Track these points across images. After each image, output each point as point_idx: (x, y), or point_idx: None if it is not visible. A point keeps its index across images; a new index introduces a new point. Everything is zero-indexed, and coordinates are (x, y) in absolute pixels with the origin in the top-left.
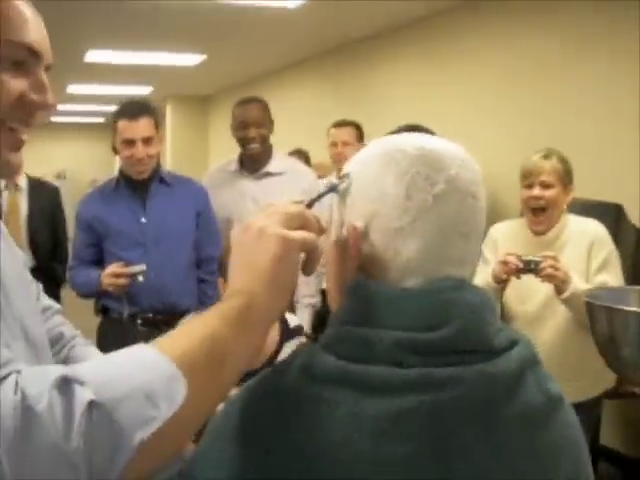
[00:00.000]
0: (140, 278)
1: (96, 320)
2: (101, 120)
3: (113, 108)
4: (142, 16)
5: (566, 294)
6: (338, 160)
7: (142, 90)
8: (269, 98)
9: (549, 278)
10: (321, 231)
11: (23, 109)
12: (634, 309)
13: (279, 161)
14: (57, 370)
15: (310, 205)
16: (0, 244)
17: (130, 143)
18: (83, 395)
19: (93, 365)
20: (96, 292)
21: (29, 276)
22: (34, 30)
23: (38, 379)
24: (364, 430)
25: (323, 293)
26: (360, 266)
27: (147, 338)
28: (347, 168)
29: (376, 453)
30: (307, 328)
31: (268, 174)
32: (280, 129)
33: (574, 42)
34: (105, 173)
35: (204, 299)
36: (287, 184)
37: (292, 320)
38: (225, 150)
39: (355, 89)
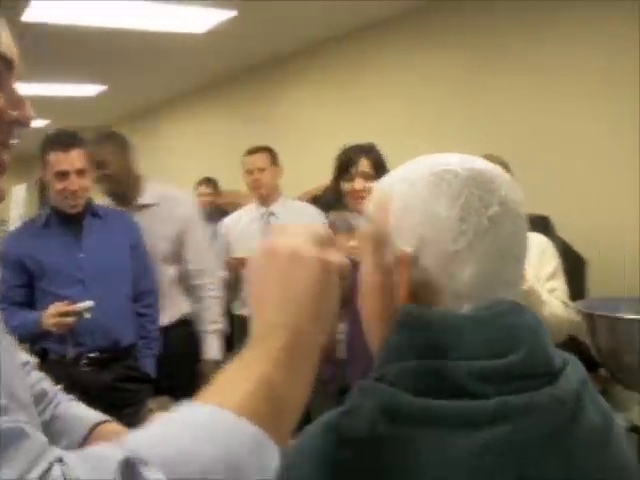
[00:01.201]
0: (87, 315)
1: None
2: None
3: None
4: (38, 45)
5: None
6: (255, 187)
7: (38, 123)
8: (173, 126)
9: None
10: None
11: (2, 129)
12: (637, 317)
13: (151, 192)
14: (113, 454)
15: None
16: None
17: (64, 175)
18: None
19: (150, 436)
20: (35, 334)
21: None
22: (5, 37)
23: (91, 467)
24: (455, 469)
25: (231, 317)
26: (409, 293)
27: (91, 378)
28: (385, 187)
29: None
30: (217, 354)
31: (142, 207)
32: (187, 157)
33: (483, 59)
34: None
35: (144, 334)
36: (162, 213)
37: None
38: None
39: (262, 113)
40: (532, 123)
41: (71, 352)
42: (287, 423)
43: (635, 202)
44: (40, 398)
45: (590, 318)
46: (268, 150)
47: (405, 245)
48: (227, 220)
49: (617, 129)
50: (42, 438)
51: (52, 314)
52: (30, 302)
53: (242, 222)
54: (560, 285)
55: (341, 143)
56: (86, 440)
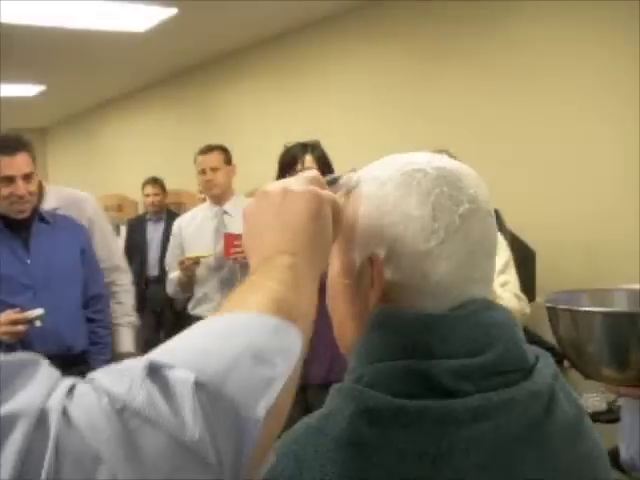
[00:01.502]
0: (38, 323)
1: None
2: None
3: None
4: None
5: None
6: (208, 187)
7: None
8: (114, 126)
9: None
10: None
11: None
12: (598, 309)
13: (52, 195)
14: (135, 363)
15: (329, 184)
16: None
17: (9, 180)
18: (182, 377)
19: (168, 346)
20: None
21: None
22: None
23: (118, 377)
24: (439, 468)
25: (187, 317)
26: (382, 294)
27: None
28: (352, 180)
29: None
30: (131, 347)
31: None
32: (130, 157)
33: (429, 53)
34: None
35: (95, 339)
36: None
37: None
38: (65, 182)
39: (204, 112)
40: (479, 115)
41: None
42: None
43: (583, 192)
44: None
45: (553, 311)
46: (221, 149)
47: (377, 246)
48: (181, 219)
49: (566, 119)
50: (52, 369)
51: (2, 322)
52: None
53: (196, 221)
54: (511, 278)
55: (284, 141)
56: None
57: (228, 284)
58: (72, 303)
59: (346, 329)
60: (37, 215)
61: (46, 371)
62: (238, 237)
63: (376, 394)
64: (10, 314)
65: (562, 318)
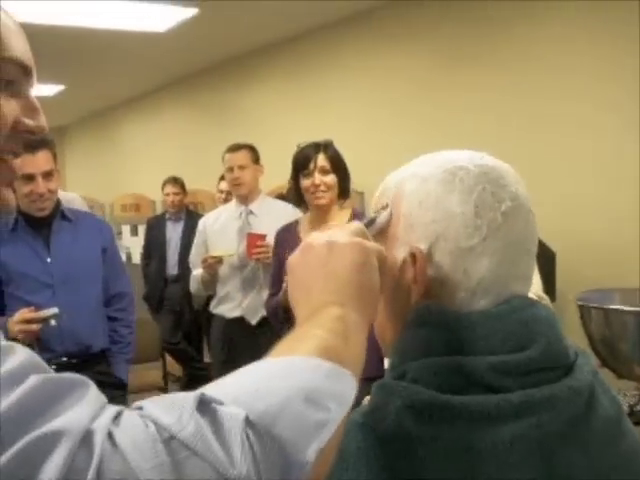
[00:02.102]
0: (53, 322)
1: None
2: None
3: None
4: None
5: None
6: (236, 185)
7: None
8: (132, 125)
9: None
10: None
11: (17, 137)
12: (631, 308)
13: None
14: (186, 395)
15: (366, 226)
16: None
17: (29, 178)
18: (233, 413)
19: (222, 384)
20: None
21: None
22: (21, 42)
23: (167, 407)
24: (484, 463)
25: (209, 315)
26: (424, 291)
27: None
28: (388, 191)
29: None
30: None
31: None
32: (149, 156)
33: (445, 60)
34: None
35: (117, 338)
36: None
37: None
38: (82, 181)
39: (223, 113)
40: (500, 117)
41: None
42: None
43: (605, 193)
44: None
45: (586, 310)
46: (250, 147)
47: (419, 242)
48: (206, 217)
49: (584, 125)
50: (103, 397)
51: (18, 321)
52: (2, 307)
53: (221, 220)
54: (535, 279)
55: (302, 142)
56: None
57: (250, 284)
58: (91, 302)
59: (387, 327)
60: (59, 213)
61: (94, 394)
62: (261, 237)
63: (421, 389)
64: (24, 313)
65: (594, 317)
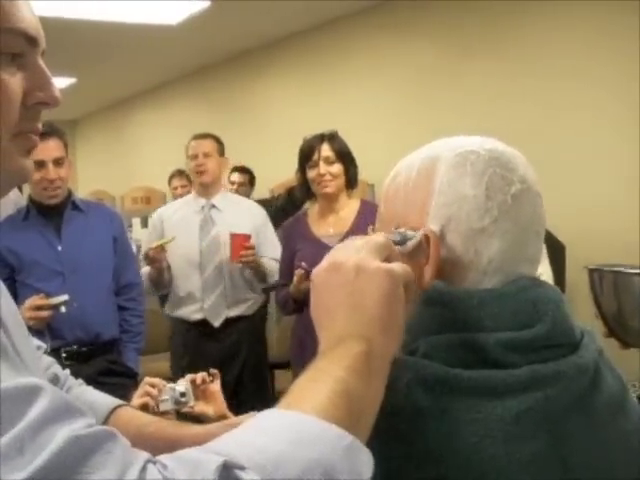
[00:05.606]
0: (63, 309)
1: None
2: None
3: None
4: None
5: None
6: (200, 172)
7: None
8: (143, 118)
9: None
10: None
11: (31, 112)
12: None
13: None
14: (209, 458)
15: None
16: None
17: (40, 165)
18: None
19: (242, 442)
20: None
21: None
22: (27, 12)
23: (190, 470)
24: (493, 435)
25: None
26: (436, 271)
27: (72, 372)
28: (398, 176)
29: (509, 457)
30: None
31: None
32: (160, 149)
33: (453, 49)
34: None
35: (127, 327)
36: None
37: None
38: (93, 174)
39: (234, 105)
40: (509, 111)
41: (49, 345)
42: (364, 430)
43: (616, 187)
44: (53, 382)
45: (598, 274)
46: (216, 138)
47: (432, 224)
48: (162, 210)
49: (594, 115)
50: (125, 439)
51: (28, 308)
52: (13, 296)
53: (179, 213)
54: (545, 269)
55: (310, 135)
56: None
57: (214, 282)
58: (102, 290)
59: None
60: (70, 203)
61: (121, 446)
62: (247, 238)
63: (431, 364)
64: (35, 299)
65: (605, 282)
